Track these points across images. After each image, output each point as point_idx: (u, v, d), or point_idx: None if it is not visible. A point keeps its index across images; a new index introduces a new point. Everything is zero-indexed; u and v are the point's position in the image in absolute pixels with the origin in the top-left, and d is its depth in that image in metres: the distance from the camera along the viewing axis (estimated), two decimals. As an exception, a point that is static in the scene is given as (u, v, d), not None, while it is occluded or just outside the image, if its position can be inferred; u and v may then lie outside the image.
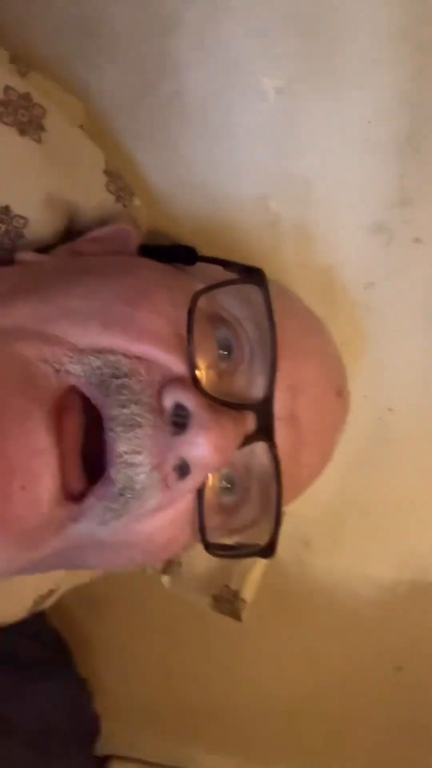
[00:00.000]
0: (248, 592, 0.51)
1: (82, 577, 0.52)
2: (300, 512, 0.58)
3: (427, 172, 0.45)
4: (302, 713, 0.70)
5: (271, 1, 0.42)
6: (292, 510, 0.56)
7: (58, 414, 0.31)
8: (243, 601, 0.51)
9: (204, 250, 0.45)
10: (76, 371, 0.31)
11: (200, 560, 0.53)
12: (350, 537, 0.59)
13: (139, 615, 0.71)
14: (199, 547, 0.52)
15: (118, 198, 0.44)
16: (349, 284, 0.49)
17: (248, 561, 0.52)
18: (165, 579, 0.53)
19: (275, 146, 0.45)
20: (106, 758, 0.79)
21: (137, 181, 0.47)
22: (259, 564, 0.52)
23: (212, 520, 0.35)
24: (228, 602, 0.51)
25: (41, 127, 0.40)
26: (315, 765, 0.73)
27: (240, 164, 0.46)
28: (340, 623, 0.63)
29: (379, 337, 0.50)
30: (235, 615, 0.51)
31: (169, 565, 0.53)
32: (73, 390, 0.32)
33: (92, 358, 0.32)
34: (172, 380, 0.32)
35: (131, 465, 0.31)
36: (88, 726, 0.71)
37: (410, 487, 0.56)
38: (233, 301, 0.36)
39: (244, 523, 0.37)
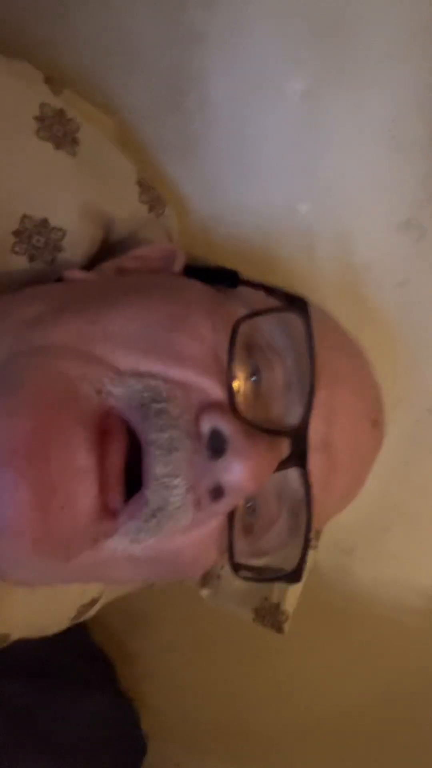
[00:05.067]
0: (290, 604, 0.51)
1: (124, 587, 0.53)
2: (342, 520, 0.57)
3: (454, 168, 0.45)
4: (348, 729, 0.69)
5: (291, 6, 0.43)
6: (333, 518, 0.56)
7: (99, 435, 0.31)
8: (284, 613, 0.50)
9: (236, 256, 0.45)
10: (117, 393, 0.32)
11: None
12: (394, 544, 0.58)
13: (183, 631, 0.70)
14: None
15: (151, 208, 0.45)
16: (382, 283, 0.49)
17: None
18: (204, 592, 0.52)
19: (302, 149, 0.46)
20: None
21: (168, 191, 0.48)
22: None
23: (239, 543, 0.35)
24: (269, 615, 0.50)
25: (75, 141, 0.41)
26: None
27: (268, 169, 0.47)
28: (385, 634, 0.62)
29: (414, 335, 0.50)
30: (278, 627, 0.50)
31: (208, 579, 0.52)
32: (113, 413, 0.32)
33: (133, 381, 0.32)
34: (209, 405, 0.32)
35: (167, 487, 0.31)
36: (133, 745, 0.70)
37: (454, 490, 0.55)
38: (273, 328, 0.36)
39: (272, 545, 0.37)
